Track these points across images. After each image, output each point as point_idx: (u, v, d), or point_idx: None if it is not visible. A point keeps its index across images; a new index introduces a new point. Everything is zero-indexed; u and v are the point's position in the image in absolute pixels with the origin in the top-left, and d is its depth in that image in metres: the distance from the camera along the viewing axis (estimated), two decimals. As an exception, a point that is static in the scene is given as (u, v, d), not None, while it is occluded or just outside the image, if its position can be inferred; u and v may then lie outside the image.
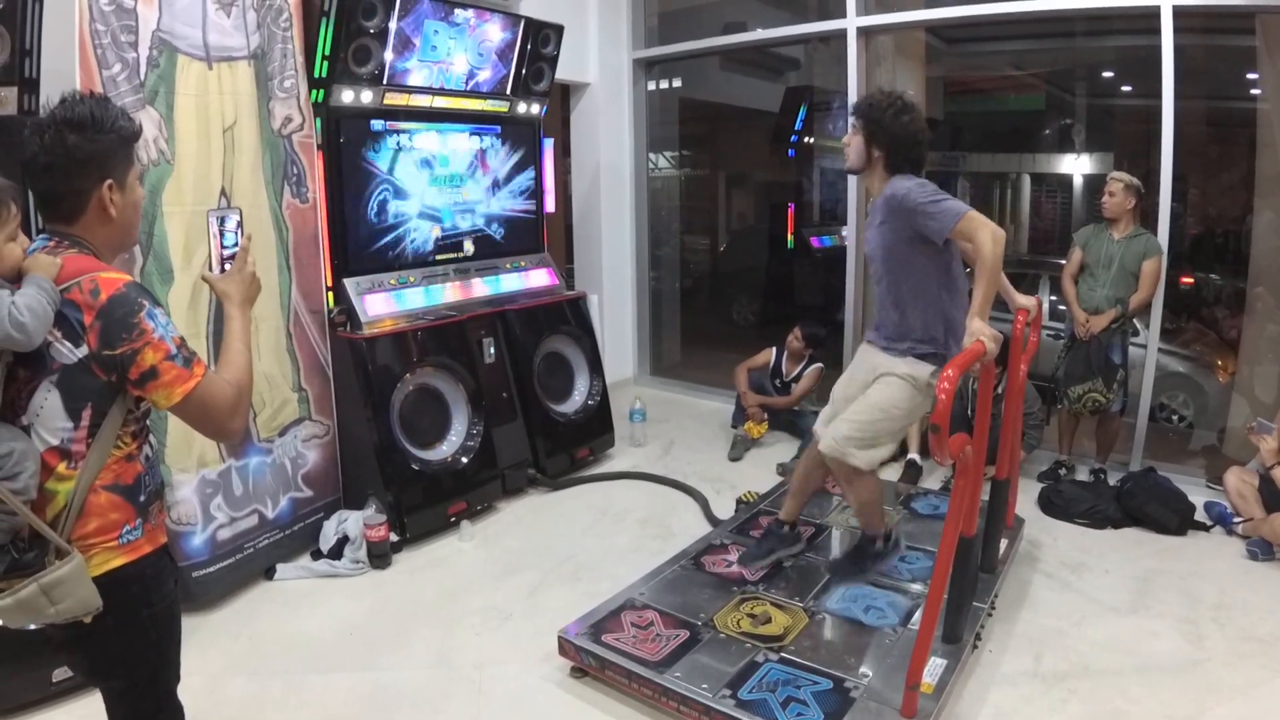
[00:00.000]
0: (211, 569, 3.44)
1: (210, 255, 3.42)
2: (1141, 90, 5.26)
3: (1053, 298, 5.96)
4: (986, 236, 2.60)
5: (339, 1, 3.76)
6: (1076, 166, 8.85)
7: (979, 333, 2.46)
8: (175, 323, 1.62)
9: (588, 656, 2.87)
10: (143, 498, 1.65)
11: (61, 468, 1.55)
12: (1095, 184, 8.25)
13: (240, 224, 3.51)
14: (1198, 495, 4.35)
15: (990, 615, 3.19)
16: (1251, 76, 5.20)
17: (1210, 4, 4.57)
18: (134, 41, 3.14)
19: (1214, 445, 5.33)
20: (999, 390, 4.04)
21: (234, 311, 1.79)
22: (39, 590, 1.48)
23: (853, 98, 5.50)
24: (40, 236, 1.62)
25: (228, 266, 1.91)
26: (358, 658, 3.11)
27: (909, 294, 2.96)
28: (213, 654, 3.10)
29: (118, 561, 1.60)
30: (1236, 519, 4.05)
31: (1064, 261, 4.86)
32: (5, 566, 1.48)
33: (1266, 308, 4.95)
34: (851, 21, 5.46)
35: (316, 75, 3.87)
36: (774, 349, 5.66)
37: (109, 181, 1.60)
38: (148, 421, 1.71)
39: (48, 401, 1.54)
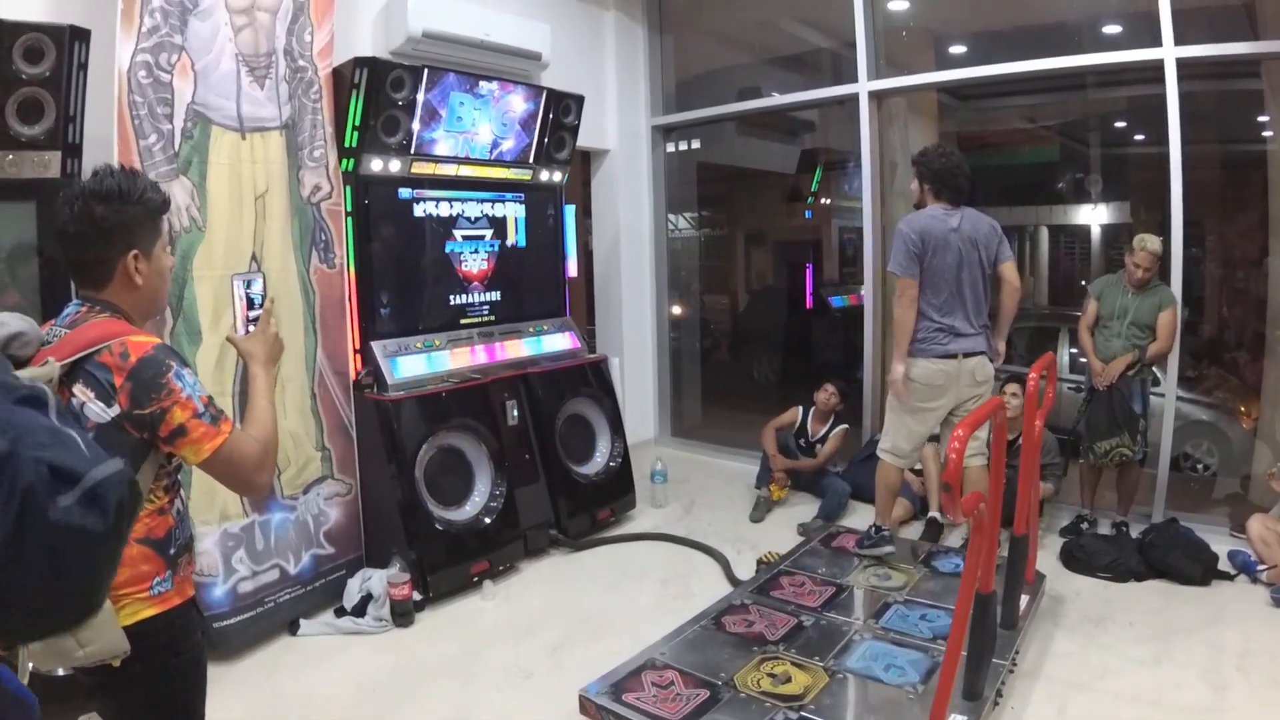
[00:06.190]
0: (232, 620, 3.49)
1: (235, 317, 3.54)
2: (1154, 138, 5.30)
3: (1073, 350, 5.96)
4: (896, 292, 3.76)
5: (369, 74, 3.93)
6: (1094, 217, 8.87)
7: (891, 373, 3.69)
8: (203, 381, 1.69)
9: (609, 715, 2.86)
10: (172, 550, 1.71)
11: None
12: (1112, 234, 8.29)
13: (264, 287, 3.63)
14: (1221, 544, 4.29)
15: (1011, 671, 3.15)
16: (1262, 119, 5.25)
17: (1211, 54, 4.58)
18: (169, 114, 3.31)
19: (1238, 493, 5.27)
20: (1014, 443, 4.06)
21: (258, 370, 1.86)
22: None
23: (866, 158, 5.64)
24: (73, 302, 1.70)
25: (252, 329, 1.98)
26: (379, 714, 3.12)
27: None
28: (235, 706, 3.13)
29: (148, 612, 1.65)
30: (1261, 566, 4.00)
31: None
32: None
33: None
34: (863, 86, 5.59)
35: (347, 144, 4.02)
36: (800, 408, 5.63)
37: (134, 251, 1.68)
38: (179, 476, 1.77)
39: None
